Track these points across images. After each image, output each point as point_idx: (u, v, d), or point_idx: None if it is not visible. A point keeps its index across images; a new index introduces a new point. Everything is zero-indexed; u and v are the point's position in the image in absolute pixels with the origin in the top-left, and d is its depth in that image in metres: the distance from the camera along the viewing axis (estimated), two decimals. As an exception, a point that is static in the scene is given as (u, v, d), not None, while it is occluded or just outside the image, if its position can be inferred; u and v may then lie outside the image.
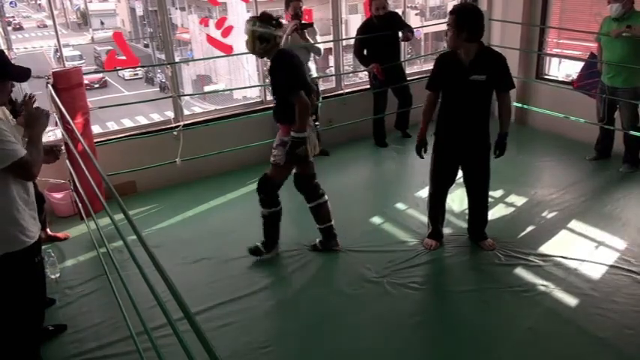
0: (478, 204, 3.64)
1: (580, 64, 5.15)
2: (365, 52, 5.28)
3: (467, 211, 3.75)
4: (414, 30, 5.50)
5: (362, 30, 5.29)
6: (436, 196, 3.62)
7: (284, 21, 5.09)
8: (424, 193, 4.31)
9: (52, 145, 2.77)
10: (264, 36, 3.11)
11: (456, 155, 3.50)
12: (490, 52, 3.36)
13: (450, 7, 4.75)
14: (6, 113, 2.32)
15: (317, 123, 5.32)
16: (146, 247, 1.65)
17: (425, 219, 4.04)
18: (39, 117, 2.36)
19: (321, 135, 5.33)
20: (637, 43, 4.27)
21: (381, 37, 5.19)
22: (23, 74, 2.28)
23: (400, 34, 5.31)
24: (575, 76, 5.23)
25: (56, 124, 3.67)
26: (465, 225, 3.80)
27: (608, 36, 4.43)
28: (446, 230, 3.84)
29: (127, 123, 10.53)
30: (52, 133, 4.33)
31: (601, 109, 4.71)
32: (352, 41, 5.59)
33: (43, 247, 2.65)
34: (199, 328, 1.29)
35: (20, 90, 3.28)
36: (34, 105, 2.83)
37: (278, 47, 3.19)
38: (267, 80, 7.05)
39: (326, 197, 3.59)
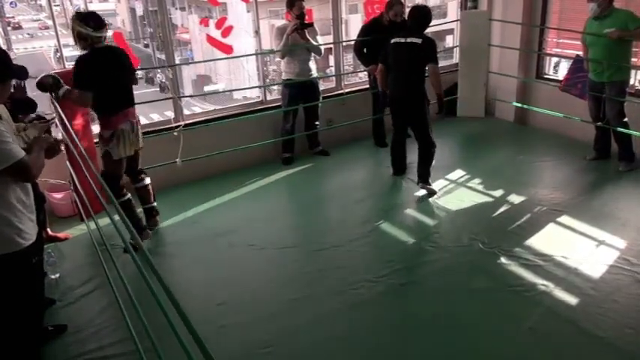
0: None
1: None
2: (365, 50, 5.27)
3: (466, 211, 3.92)
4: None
5: (367, 28, 5.27)
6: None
7: (283, 20, 5.10)
8: (422, 193, 4.32)
9: (54, 140, 2.80)
10: (81, 34, 3.31)
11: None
12: None
13: (450, 8, 4.77)
14: (6, 112, 2.33)
15: (317, 123, 5.34)
16: (142, 249, 1.65)
17: (424, 218, 4.06)
18: (55, 147, 2.61)
19: (320, 135, 5.40)
20: (620, 38, 4.32)
21: (386, 39, 5.18)
22: (22, 72, 2.32)
23: None
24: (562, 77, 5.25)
25: (57, 126, 3.67)
26: (468, 229, 3.82)
27: (594, 35, 4.48)
28: (445, 229, 3.85)
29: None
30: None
31: (593, 108, 4.73)
32: (352, 41, 5.58)
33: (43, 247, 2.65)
34: (195, 331, 1.30)
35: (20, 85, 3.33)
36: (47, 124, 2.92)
37: (93, 47, 3.34)
38: (267, 80, 7.05)
39: (129, 196, 3.69)
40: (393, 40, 4.33)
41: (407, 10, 5.66)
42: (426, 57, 4.19)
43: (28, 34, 22.29)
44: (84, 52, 3.39)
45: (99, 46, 3.37)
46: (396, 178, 4.76)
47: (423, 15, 4.33)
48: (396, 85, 4.38)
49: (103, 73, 3.37)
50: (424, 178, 4.41)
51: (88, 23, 3.29)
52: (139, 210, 3.87)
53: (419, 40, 4.20)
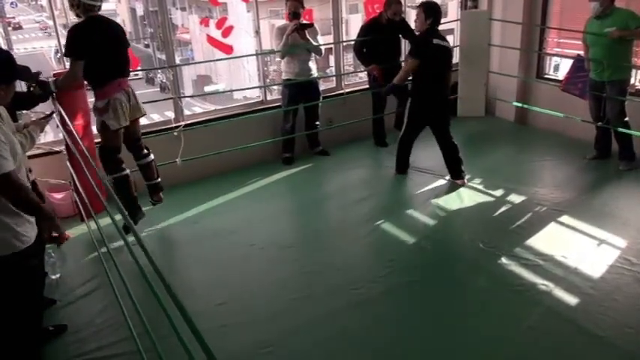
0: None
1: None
2: (365, 49, 5.27)
3: (466, 211, 3.92)
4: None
5: (367, 28, 5.27)
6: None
7: (284, 20, 5.11)
8: (423, 193, 4.33)
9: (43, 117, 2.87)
10: (74, 1, 3.33)
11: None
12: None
13: (450, 8, 4.79)
14: (5, 112, 2.33)
15: (317, 123, 5.34)
16: (144, 248, 1.65)
17: (425, 218, 4.06)
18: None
19: (320, 135, 5.40)
20: (620, 38, 4.33)
21: (385, 38, 5.19)
22: (26, 73, 2.36)
23: (402, 60, 5.36)
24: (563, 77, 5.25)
25: (57, 126, 3.68)
26: (469, 229, 3.79)
27: (595, 35, 4.48)
28: (445, 229, 3.85)
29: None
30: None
31: (594, 108, 4.73)
32: (352, 41, 5.59)
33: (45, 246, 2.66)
34: (197, 331, 1.30)
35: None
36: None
37: (87, 15, 3.35)
38: (267, 80, 7.05)
39: (127, 172, 3.68)
40: (435, 42, 4.27)
41: (405, 10, 5.69)
42: (451, 61, 4.48)
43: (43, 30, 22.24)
44: (78, 20, 3.39)
45: (92, 15, 3.37)
46: (398, 177, 4.77)
47: (440, 12, 4.37)
48: (439, 88, 4.42)
49: (95, 41, 3.36)
50: (460, 173, 4.57)
51: None
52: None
53: (450, 45, 4.37)
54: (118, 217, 2.38)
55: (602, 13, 4.38)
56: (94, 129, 4.01)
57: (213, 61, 11.88)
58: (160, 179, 4.03)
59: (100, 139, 3.66)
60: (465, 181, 4.56)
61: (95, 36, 3.38)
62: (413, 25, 4.69)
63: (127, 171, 3.68)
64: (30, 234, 2.28)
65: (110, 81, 3.46)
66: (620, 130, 4.58)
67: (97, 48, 3.37)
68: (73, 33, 3.35)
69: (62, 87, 3.48)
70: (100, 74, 3.45)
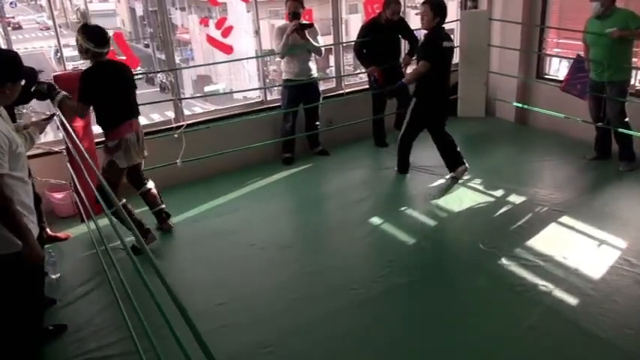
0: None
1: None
2: (364, 50, 5.27)
3: (466, 211, 3.95)
4: (416, 36, 5.48)
5: (366, 29, 5.27)
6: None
7: (284, 21, 5.11)
8: (423, 193, 4.33)
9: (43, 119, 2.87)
10: (82, 48, 3.38)
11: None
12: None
13: (450, 8, 4.77)
14: (4, 112, 2.33)
15: (317, 123, 5.34)
16: (145, 249, 1.65)
17: (424, 218, 4.06)
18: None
19: (320, 135, 5.40)
20: (621, 38, 4.32)
21: (384, 39, 5.19)
22: (32, 74, 2.37)
23: (402, 59, 5.35)
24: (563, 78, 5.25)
25: (58, 127, 3.68)
26: (469, 229, 3.80)
27: (595, 35, 4.48)
28: (445, 229, 3.85)
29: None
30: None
31: (594, 108, 4.73)
32: (352, 42, 5.58)
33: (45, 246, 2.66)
34: (197, 331, 1.30)
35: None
36: None
37: (97, 60, 3.41)
38: (267, 80, 7.06)
39: (124, 201, 3.66)
40: (445, 44, 4.27)
41: (405, 10, 5.69)
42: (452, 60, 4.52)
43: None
44: (89, 64, 3.45)
45: (102, 60, 3.43)
46: (398, 177, 4.76)
47: (446, 11, 4.35)
48: (446, 88, 4.48)
49: (105, 87, 3.43)
50: (458, 161, 4.61)
51: (90, 38, 3.35)
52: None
53: (453, 43, 4.38)
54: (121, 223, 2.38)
55: (602, 13, 4.38)
56: (94, 129, 4.02)
57: (214, 64, 11.88)
58: (164, 205, 3.99)
59: (102, 175, 3.64)
60: (467, 165, 4.58)
61: (105, 81, 3.44)
62: (418, 24, 4.65)
63: (124, 200, 3.67)
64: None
65: (122, 122, 3.53)
66: (620, 130, 4.58)
67: (108, 92, 3.44)
68: (85, 79, 3.41)
69: (65, 107, 3.46)
70: (111, 117, 3.51)
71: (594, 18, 4.49)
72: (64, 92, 3.40)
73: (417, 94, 4.50)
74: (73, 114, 3.54)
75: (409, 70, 5.27)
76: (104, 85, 3.43)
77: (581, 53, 4.86)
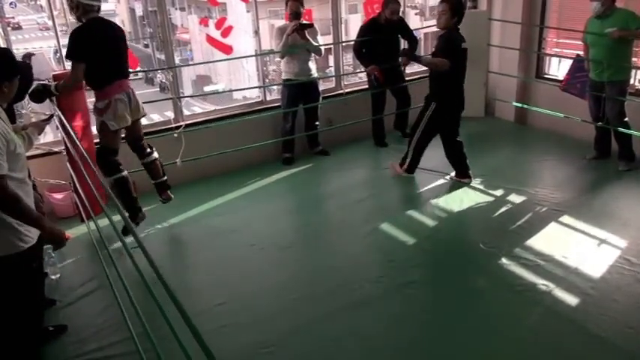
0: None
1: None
2: (364, 50, 5.27)
3: (466, 211, 3.95)
4: (415, 36, 5.47)
5: (366, 29, 5.27)
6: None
7: (283, 21, 5.11)
8: (423, 193, 4.32)
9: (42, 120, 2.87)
10: (72, 3, 3.33)
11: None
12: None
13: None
14: (3, 113, 2.32)
15: (317, 123, 5.34)
16: (144, 250, 1.65)
17: (424, 218, 4.06)
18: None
19: (320, 135, 5.40)
20: (621, 38, 4.32)
21: (384, 39, 5.19)
22: (26, 70, 2.35)
23: (400, 59, 5.28)
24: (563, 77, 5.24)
25: (57, 127, 3.68)
26: (469, 229, 3.80)
27: (595, 34, 4.48)
28: (445, 229, 3.85)
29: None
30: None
31: (594, 108, 4.73)
32: (351, 41, 5.58)
33: (44, 247, 2.65)
34: (198, 333, 1.30)
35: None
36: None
37: (87, 17, 3.37)
38: (267, 80, 7.06)
39: (125, 173, 3.67)
40: (463, 45, 4.20)
41: (404, 10, 5.68)
42: None
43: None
44: (78, 23, 3.41)
45: (92, 17, 3.38)
46: (399, 177, 4.76)
47: (464, 11, 4.27)
48: (461, 91, 4.35)
49: (96, 44, 3.37)
50: (467, 171, 4.57)
51: None
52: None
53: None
54: (117, 217, 2.37)
55: (602, 13, 4.38)
56: (94, 130, 4.02)
57: (213, 62, 11.88)
58: (166, 177, 4.04)
59: (99, 140, 3.66)
60: (472, 179, 4.54)
61: (96, 38, 3.38)
62: (417, 24, 4.62)
63: (125, 172, 3.68)
64: (32, 234, 2.28)
65: (111, 82, 3.47)
66: (620, 130, 4.58)
67: (98, 49, 3.38)
68: (75, 35, 3.35)
69: (63, 90, 3.49)
70: (100, 75, 3.46)
71: (594, 18, 4.49)
72: (53, 84, 3.42)
73: (436, 98, 4.33)
74: (72, 82, 3.47)
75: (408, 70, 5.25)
76: (95, 41, 3.37)
77: (581, 53, 4.86)
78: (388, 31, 5.20)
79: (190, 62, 17.30)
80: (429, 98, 4.42)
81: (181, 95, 5.24)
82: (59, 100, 3.54)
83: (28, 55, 3.63)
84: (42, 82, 3.49)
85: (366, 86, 5.65)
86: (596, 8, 4.40)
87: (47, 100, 3.56)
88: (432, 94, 4.40)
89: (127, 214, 3.06)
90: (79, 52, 3.35)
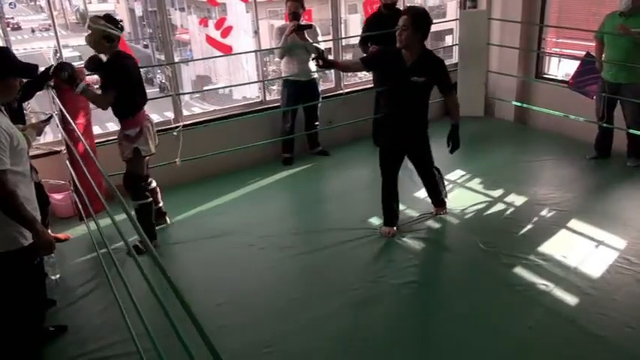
0: (428, 180, 3.96)
1: (577, 63, 5.10)
2: (369, 44, 5.22)
3: (466, 211, 3.95)
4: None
5: (370, 22, 5.20)
6: (386, 187, 3.85)
7: (283, 21, 5.10)
8: (423, 193, 4.31)
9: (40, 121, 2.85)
10: (107, 35, 3.30)
11: (398, 148, 3.77)
12: (430, 56, 3.55)
13: (449, 7, 4.73)
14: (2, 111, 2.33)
15: (317, 123, 5.33)
16: (149, 248, 1.65)
17: (423, 218, 4.05)
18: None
19: (320, 135, 5.40)
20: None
21: (388, 30, 5.13)
22: (29, 70, 2.30)
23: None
24: (571, 74, 5.19)
25: (57, 126, 3.68)
26: (469, 229, 3.82)
27: (611, 33, 4.37)
28: (445, 229, 3.85)
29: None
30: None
31: (601, 108, 4.67)
32: (351, 41, 5.57)
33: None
34: (202, 329, 1.30)
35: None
36: None
37: (115, 49, 3.39)
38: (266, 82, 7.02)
39: (151, 200, 3.70)
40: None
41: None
42: None
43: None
44: (106, 55, 3.39)
45: (118, 49, 3.40)
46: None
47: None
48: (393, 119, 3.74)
49: (132, 73, 3.45)
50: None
51: (115, 24, 3.33)
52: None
53: None
54: (118, 217, 2.37)
55: (630, 11, 4.20)
56: (94, 129, 4.02)
57: (212, 58, 11.82)
58: (162, 203, 4.08)
59: (127, 167, 3.64)
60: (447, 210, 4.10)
61: (131, 67, 3.46)
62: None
63: (151, 199, 3.71)
64: None
65: (141, 109, 3.57)
66: (632, 132, 4.48)
67: (134, 79, 3.47)
68: (115, 67, 3.37)
69: (87, 98, 3.50)
70: (133, 104, 3.53)
71: (618, 15, 4.31)
72: (83, 83, 3.35)
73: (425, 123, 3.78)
74: (97, 103, 3.46)
75: None
76: (131, 71, 3.44)
77: (592, 52, 4.74)
78: (392, 20, 5.14)
79: (190, 63, 17.31)
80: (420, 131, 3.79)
81: (180, 92, 5.23)
82: (60, 99, 3.53)
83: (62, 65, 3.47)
84: (70, 67, 3.40)
85: (366, 86, 5.63)
86: (626, 4, 4.19)
87: (47, 100, 3.55)
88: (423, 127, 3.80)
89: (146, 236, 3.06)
90: (118, 83, 3.38)
